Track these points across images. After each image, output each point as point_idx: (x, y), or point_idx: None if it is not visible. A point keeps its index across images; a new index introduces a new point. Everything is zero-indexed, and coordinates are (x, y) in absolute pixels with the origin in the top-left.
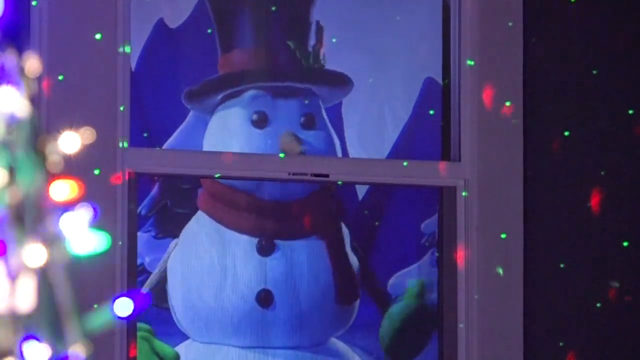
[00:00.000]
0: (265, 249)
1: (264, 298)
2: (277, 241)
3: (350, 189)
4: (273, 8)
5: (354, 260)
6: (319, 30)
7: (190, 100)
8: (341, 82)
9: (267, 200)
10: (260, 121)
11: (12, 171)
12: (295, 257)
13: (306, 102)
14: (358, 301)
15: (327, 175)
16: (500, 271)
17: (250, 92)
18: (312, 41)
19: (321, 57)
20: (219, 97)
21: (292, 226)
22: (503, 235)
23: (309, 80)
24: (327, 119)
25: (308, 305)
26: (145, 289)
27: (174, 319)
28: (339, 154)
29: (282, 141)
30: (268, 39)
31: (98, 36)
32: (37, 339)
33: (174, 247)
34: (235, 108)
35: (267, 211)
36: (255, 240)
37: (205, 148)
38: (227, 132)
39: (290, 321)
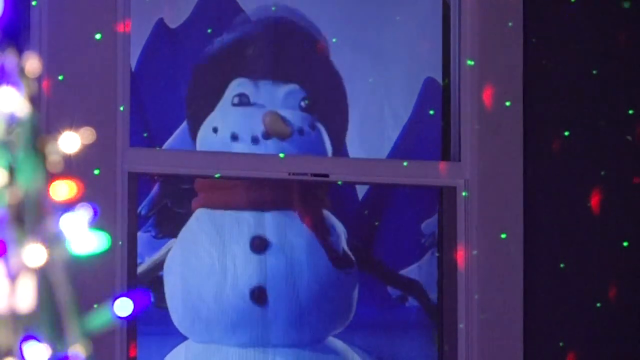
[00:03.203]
0: (259, 246)
1: (258, 296)
2: (270, 237)
3: (350, 189)
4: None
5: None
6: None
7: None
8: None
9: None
10: (242, 103)
11: (12, 171)
12: (290, 253)
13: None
14: (355, 295)
15: (327, 175)
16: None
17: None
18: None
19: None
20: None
21: (274, 198)
22: (503, 235)
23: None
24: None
25: (306, 300)
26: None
27: (173, 320)
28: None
29: (266, 121)
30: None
31: (98, 36)
32: (37, 339)
33: (172, 245)
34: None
35: (245, 185)
36: (248, 239)
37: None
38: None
39: (288, 317)
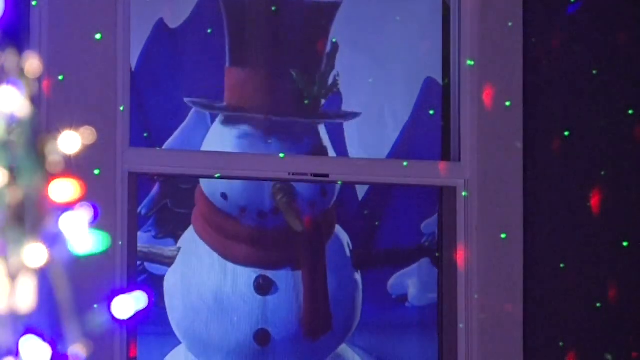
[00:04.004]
0: (263, 287)
1: (261, 337)
2: (275, 279)
3: (350, 189)
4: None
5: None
6: (333, 53)
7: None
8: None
9: (252, 228)
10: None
11: (12, 171)
12: (294, 293)
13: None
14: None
15: (327, 175)
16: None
17: (245, 128)
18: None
19: (330, 82)
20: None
21: (275, 255)
22: (503, 235)
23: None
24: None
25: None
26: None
27: (172, 327)
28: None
29: (279, 205)
30: (277, 61)
31: (98, 36)
32: (38, 337)
33: (178, 251)
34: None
35: (252, 239)
36: (253, 276)
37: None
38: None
39: (292, 354)
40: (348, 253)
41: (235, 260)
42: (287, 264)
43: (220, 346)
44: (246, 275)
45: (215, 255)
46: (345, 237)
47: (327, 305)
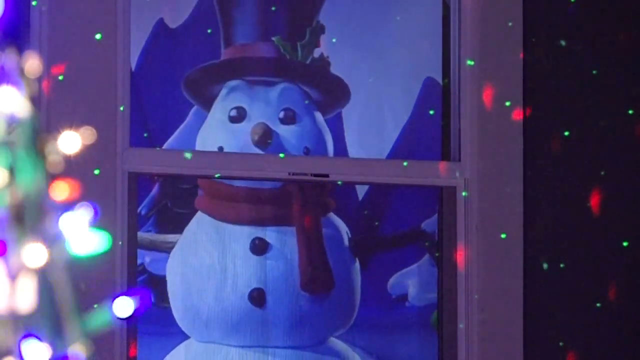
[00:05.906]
0: (259, 248)
1: (257, 297)
2: (270, 239)
3: (350, 189)
4: (273, 8)
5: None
6: (317, 29)
7: (189, 89)
8: (335, 87)
9: (249, 188)
10: (239, 117)
11: (12, 171)
12: (290, 254)
13: (306, 101)
14: (356, 299)
15: (327, 175)
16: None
17: (230, 84)
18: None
19: (317, 55)
20: (217, 88)
21: (269, 213)
22: (503, 235)
23: (295, 77)
24: (314, 115)
25: (305, 303)
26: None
27: (175, 317)
28: (330, 152)
29: (252, 132)
30: (268, 35)
31: (98, 36)
32: (37, 339)
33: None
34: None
35: (247, 198)
36: (249, 240)
37: (198, 144)
38: (208, 129)
39: (288, 319)
40: (347, 243)
41: (232, 221)
42: (284, 221)
43: (223, 311)
44: (243, 242)
45: (214, 235)
46: (343, 227)
47: (324, 257)
